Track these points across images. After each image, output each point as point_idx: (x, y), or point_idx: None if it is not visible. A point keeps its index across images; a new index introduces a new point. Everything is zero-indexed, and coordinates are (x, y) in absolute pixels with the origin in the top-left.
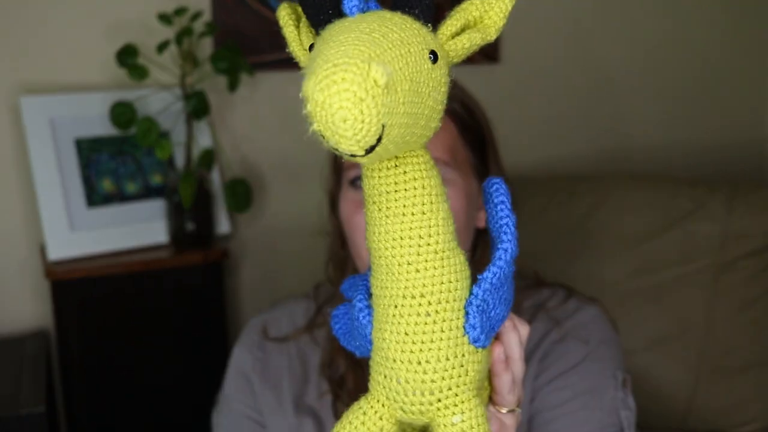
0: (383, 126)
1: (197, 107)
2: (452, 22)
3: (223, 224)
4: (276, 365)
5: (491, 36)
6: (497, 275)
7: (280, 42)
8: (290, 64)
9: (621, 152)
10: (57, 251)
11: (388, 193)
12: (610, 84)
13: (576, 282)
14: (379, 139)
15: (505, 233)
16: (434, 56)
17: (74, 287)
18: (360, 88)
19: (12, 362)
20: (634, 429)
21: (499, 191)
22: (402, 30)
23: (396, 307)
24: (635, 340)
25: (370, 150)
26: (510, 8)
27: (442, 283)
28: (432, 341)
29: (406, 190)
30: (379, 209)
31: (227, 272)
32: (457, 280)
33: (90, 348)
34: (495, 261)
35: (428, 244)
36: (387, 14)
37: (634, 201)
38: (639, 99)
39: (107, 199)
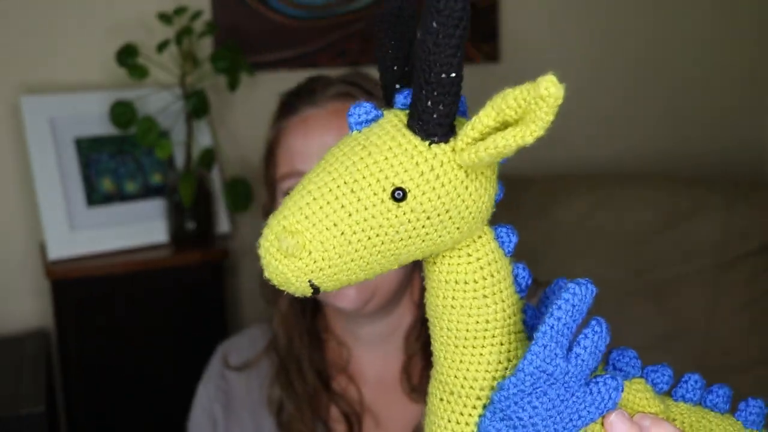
0: (310, 280)
1: (197, 107)
2: (474, 124)
3: (223, 224)
4: (237, 394)
5: (532, 137)
6: (517, 385)
7: (279, 42)
8: (290, 63)
9: (621, 152)
10: (57, 250)
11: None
12: (609, 84)
13: None
14: (317, 288)
15: (536, 338)
16: (402, 193)
17: (74, 286)
18: (269, 254)
19: (12, 362)
20: None
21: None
22: (357, 170)
23: None
24: (635, 340)
25: (316, 291)
26: (560, 102)
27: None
28: None
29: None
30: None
31: (227, 272)
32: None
33: (90, 347)
34: (517, 369)
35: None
36: (362, 139)
37: (634, 201)
38: (639, 99)
39: (107, 199)
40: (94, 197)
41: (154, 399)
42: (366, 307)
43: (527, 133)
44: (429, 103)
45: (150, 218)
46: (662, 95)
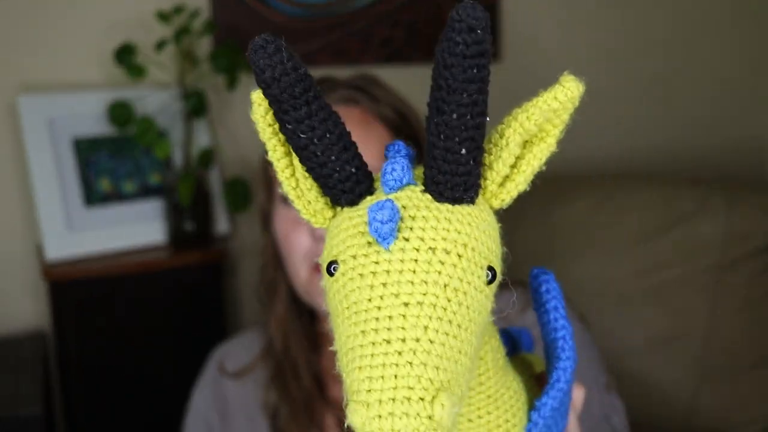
0: None
1: (196, 106)
2: (503, 165)
3: (222, 224)
4: (233, 400)
5: (553, 147)
6: (557, 398)
7: None
8: None
9: (622, 152)
10: (55, 251)
11: None
12: (609, 84)
13: (576, 282)
14: None
15: (563, 349)
16: (492, 274)
17: (72, 287)
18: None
19: (10, 363)
20: (629, 428)
21: (550, 292)
22: (461, 267)
23: None
24: (636, 341)
25: None
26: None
27: (499, 426)
28: None
29: None
30: None
31: (226, 272)
32: (513, 416)
33: (88, 348)
34: (554, 383)
35: (480, 393)
36: (442, 231)
37: (635, 201)
38: (639, 99)
39: (105, 199)
40: (92, 197)
41: (154, 399)
42: None
43: (552, 144)
44: (472, 162)
45: (148, 219)
46: (662, 95)
